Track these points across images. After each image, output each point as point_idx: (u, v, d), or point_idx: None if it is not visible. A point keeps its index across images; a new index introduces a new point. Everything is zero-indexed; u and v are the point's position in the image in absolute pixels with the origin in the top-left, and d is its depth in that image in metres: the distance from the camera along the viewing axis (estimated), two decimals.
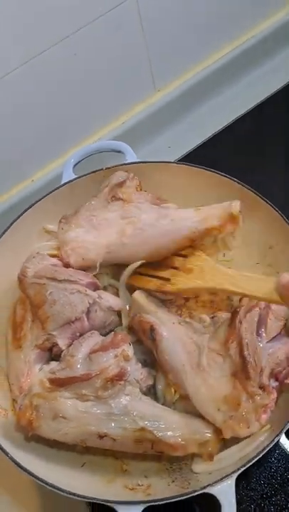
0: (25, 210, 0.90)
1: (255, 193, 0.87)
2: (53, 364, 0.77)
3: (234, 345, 0.71)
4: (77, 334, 0.79)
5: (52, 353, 0.80)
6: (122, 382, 0.72)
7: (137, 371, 0.75)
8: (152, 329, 0.76)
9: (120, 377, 0.72)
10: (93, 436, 0.70)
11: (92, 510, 0.77)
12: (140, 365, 0.77)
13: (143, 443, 0.71)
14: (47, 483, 0.68)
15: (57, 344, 0.78)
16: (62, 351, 0.78)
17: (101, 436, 0.70)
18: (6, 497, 0.83)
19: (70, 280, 0.79)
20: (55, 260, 0.84)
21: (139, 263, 0.83)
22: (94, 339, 0.77)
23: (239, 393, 0.69)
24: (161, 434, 0.70)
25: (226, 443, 0.72)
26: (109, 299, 0.82)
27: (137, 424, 0.70)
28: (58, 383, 0.72)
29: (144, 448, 0.71)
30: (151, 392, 0.78)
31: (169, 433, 0.70)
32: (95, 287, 0.83)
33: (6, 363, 0.83)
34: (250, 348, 0.70)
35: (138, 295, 0.81)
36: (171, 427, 0.71)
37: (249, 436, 0.70)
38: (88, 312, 0.79)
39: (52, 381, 0.73)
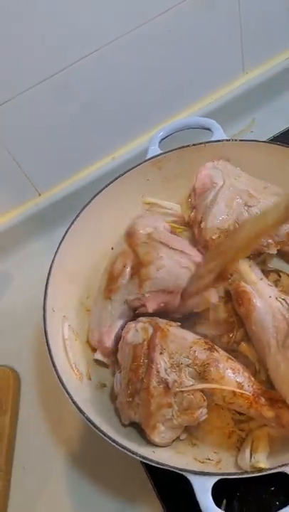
0: (110, 183, 0.90)
1: None
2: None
3: None
4: (163, 305, 0.77)
5: (135, 312, 0.80)
6: None
7: None
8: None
9: None
10: None
11: (150, 477, 0.77)
12: None
13: None
14: (122, 446, 0.67)
15: (145, 306, 0.77)
16: (146, 313, 0.77)
17: None
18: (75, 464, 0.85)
19: (184, 252, 0.79)
20: (167, 225, 0.84)
21: None
22: None
23: None
24: None
25: None
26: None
27: None
28: None
29: None
30: None
31: None
32: None
33: (92, 308, 0.85)
34: None
35: (242, 263, 0.80)
36: None
37: None
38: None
39: None
